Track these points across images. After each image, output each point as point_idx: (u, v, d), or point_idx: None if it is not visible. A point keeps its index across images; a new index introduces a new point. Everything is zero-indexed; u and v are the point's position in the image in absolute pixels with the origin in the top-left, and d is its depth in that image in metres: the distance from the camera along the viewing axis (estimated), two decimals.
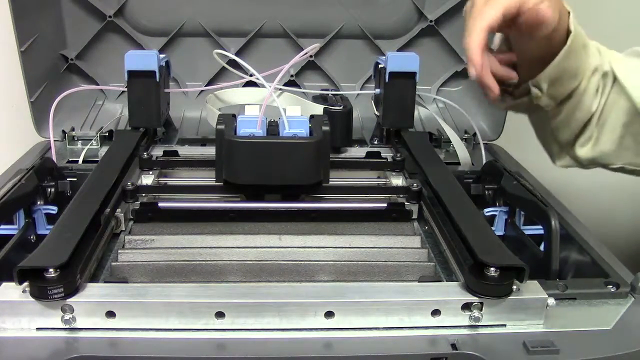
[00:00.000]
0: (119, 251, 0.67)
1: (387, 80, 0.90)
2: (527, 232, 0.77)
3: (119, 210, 0.71)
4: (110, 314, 0.53)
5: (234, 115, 0.75)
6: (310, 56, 1.07)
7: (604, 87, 0.70)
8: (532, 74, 0.68)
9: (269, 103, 0.76)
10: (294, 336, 0.54)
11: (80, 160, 0.92)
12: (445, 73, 1.12)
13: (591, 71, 0.68)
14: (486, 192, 0.84)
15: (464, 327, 0.55)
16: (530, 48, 0.66)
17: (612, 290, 0.60)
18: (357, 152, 0.93)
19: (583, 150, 0.72)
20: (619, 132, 0.71)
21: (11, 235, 0.72)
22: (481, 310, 0.55)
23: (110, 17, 1.03)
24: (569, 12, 0.64)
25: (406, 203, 0.78)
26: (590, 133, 0.72)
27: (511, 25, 0.62)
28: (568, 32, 0.64)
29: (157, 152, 0.89)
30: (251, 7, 1.05)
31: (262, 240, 0.70)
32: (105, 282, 0.62)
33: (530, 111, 0.74)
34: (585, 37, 0.67)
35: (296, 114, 0.76)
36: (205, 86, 1.07)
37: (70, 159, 0.93)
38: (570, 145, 0.72)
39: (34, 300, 0.52)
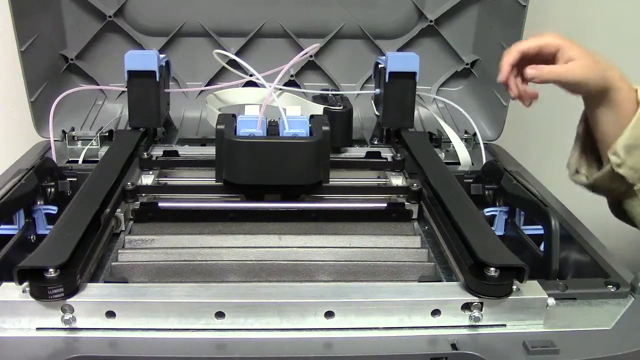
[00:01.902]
0: (119, 251, 0.67)
1: (387, 80, 0.90)
2: (527, 232, 0.77)
3: (119, 210, 0.71)
4: (110, 314, 0.53)
5: (234, 115, 0.75)
6: (310, 56, 1.07)
7: None
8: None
9: (269, 103, 0.76)
10: (294, 336, 0.54)
11: (80, 160, 0.92)
12: (445, 73, 1.12)
13: None
14: (486, 192, 0.84)
15: (464, 327, 0.55)
16: (600, 122, 0.71)
17: (612, 290, 0.60)
18: (357, 152, 0.93)
19: None
20: None
21: (11, 235, 0.72)
22: (481, 310, 0.55)
23: (110, 17, 1.03)
24: (637, 90, 0.70)
25: (406, 203, 0.78)
26: None
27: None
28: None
29: (157, 152, 0.89)
30: (251, 7, 1.05)
31: (262, 240, 0.70)
32: (105, 282, 0.62)
33: (615, 188, 0.74)
34: None
35: (296, 114, 0.76)
36: (205, 86, 1.07)
37: (70, 159, 0.93)
38: None
39: (34, 300, 0.52)
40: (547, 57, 0.70)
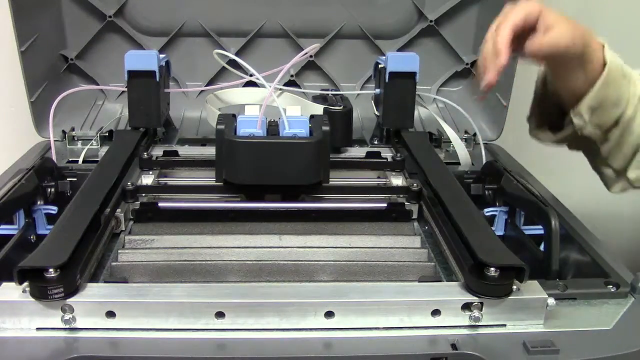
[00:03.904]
0: (119, 251, 0.67)
1: (387, 80, 0.90)
2: (527, 232, 0.77)
3: (119, 210, 0.71)
4: (110, 314, 0.53)
5: (234, 115, 0.75)
6: (310, 56, 1.07)
7: None
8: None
9: (269, 103, 0.76)
10: (294, 336, 0.54)
11: (80, 160, 0.92)
12: (445, 73, 1.12)
13: (637, 98, 0.69)
14: (486, 192, 0.84)
15: (464, 327, 0.55)
16: (569, 81, 0.68)
17: (612, 290, 0.60)
18: (357, 152, 0.93)
19: (635, 173, 0.73)
20: None
21: (11, 235, 0.72)
22: (481, 310, 0.55)
23: (110, 17, 1.03)
24: (603, 45, 0.67)
25: (406, 203, 0.78)
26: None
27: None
28: (605, 64, 0.67)
29: (157, 152, 0.89)
30: (251, 7, 1.05)
31: (262, 240, 0.70)
32: (105, 282, 0.62)
33: (578, 145, 0.75)
34: (626, 68, 0.69)
35: (296, 114, 0.76)
36: (205, 86, 1.07)
37: (70, 159, 0.93)
38: (624, 171, 0.73)
39: (34, 300, 0.52)
40: (528, 28, 0.65)
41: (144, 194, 0.76)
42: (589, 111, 0.68)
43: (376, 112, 0.97)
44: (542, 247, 0.72)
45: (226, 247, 0.68)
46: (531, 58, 0.66)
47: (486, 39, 0.66)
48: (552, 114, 0.74)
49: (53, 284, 0.52)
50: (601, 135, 0.70)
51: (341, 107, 0.88)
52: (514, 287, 0.55)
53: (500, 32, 0.64)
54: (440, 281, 0.64)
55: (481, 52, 0.66)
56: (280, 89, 0.92)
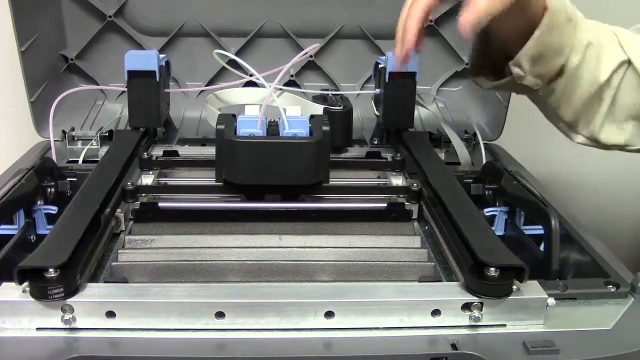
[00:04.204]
0: (119, 251, 0.67)
1: (387, 80, 0.90)
2: (527, 232, 0.77)
3: (119, 210, 0.71)
4: (110, 314, 0.53)
5: (234, 115, 0.75)
6: (310, 56, 1.07)
7: (615, 69, 0.67)
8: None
9: (269, 103, 0.76)
10: (294, 336, 0.54)
11: (80, 160, 0.92)
12: (445, 73, 1.12)
13: (584, 46, 0.65)
14: (486, 192, 0.84)
15: (464, 327, 0.55)
16: (508, 28, 0.64)
17: (612, 290, 0.60)
18: (357, 152, 0.93)
19: (604, 135, 0.69)
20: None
21: (11, 235, 0.72)
22: (481, 310, 0.55)
23: (110, 17, 1.03)
24: None
25: (406, 203, 0.78)
26: (603, 113, 0.68)
27: None
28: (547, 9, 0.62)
29: (157, 152, 0.89)
30: (251, 7, 1.05)
31: (262, 240, 0.70)
32: (105, 282, 0.62)
33: (519, 91, 0.71)
34: (572, 12, 0.65)
35: (296, 114, 0.76)
36: (205, 86, 1.07)
37: (70, 159, 0.93)
38: (576, 125, 0.70)
39: (34, 300, 0.52)
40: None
41: (144, 194, 0.76)
42: (529, 61, 0.64)
43: (376, 112, 0.97)
44: (542, 247, 0.72)
45: (226, 247, 0.68)
46: (468, 33, 0.57)
47: (402, 11, 0.61)
48: (496, 58, 0.69)
49: (53, 284, 0.52)
50: (544, 85, 0.66)
51: (341, 107, 0.88)
52: (514, 287, 0.55)
53: (412, 13, 0.60)
54: (440, 281, 0.64)
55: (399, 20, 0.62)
56: (280, 89, 0.92)
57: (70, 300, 0.53)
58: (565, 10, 0.64)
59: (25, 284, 0.53)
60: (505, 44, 0.66)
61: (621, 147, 0.71)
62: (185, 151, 0.90)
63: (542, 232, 0.70)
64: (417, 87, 0.92)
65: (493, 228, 0.79)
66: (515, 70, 0.65)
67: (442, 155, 0.94)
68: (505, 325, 0.56)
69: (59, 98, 0.93)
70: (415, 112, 0.95)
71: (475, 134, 1.00)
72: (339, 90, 1.02)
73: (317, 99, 0.94)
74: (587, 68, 0.66)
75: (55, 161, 0.86)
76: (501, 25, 0.63)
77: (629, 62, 0.67)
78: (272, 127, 0.75)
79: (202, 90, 1.09)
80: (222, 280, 0.65)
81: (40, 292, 0.52)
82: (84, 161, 0.92)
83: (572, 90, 0.67)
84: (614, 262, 0.65)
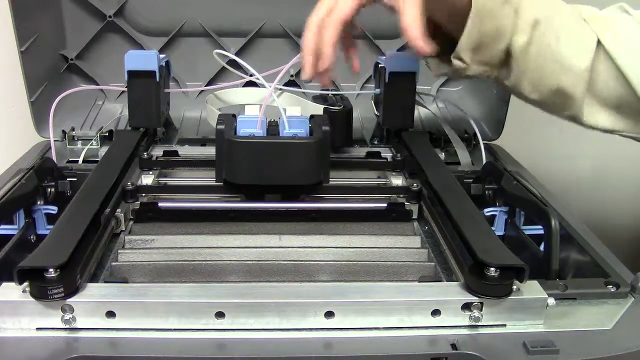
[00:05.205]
0: (119, 251, 0.67)
1: (387, 80, 0.90)
2: (527, 232, 0.77)
3: (119, 210, 0.71)
4: (110, 314, 0.53)
5: (234, 115, 0.75)
6: None
7: (587, 50, 0.64)
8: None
9: (269, 103, 0.76)
10: (294, 336, 0.54)
11: (80, 160, 0.92)
12: None
13: (530, 25, 0.62)
14: (486, 192, 0.84)
15: (464, 327, 0.55)
16: (445, 22, 0.63)
17: (612, 290, 0.60)
18: (357, 152, 0.93)
19: (593, 118, 0.67)
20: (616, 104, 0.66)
21: (11, 235, 0.72)
22: (481, 310, 0.55)
23: (110, 17, 1.03)
24: None
25: (406, 203, 0.78)
26: (581, 98, 0.65)
27: None
28: None
29: (157, 152, 0.89)
30: (251, 7, 1.05)
31: (262, 240, 0.70)
32: (105, 282, 0.62)
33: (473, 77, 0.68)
34: None
35: (296, 114, 0.76)
36: (205, 86, 1.07)
37: (70, 159, 0.93)
38: (559, 107, 0.67)
39: (34, 300, 0.52)
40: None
41: (144, 194, 0.76)
42: (469, 53, 0.62)
43: (376, 112, 0.97)
44: (542, 247, 0.72)
45: (226, 247, 0.68)
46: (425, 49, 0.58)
47: (308, 27, 0.60)
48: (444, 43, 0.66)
49: (53, 284, 0.52)
50: (495, 70, 0.64)
51: (341, 107, 0.88)
52: (514, 287, 0.55)
53: (326, 31, 0.59)
54: (440, 281, 0.64)
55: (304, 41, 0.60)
56: (280, 89, 0.92)
57: (70, 300, 0.53)
58: None
59: (25, 284, 0.53)
60: (451, 33, 0.65)
61: (611, 132, 0.68)
62: (185, 151, 0.90)
63: (542, 232, 0.70)
64: (417, 87, 0.92)
65: (493, 228, 0.79)
66: (457, 63, 0.64)
67: (442, 155, 0.94)
68: (505, 325, 0.56)
69: (59, 98, 0.93)
70: (415, 112, 0.95)
71: (475, 134, 1.00)
72: (339, 90, 1.02)
73: (317, 99, 0.94)
74: (541, 46, 0.63)
75: (55, 161, 0.86)
76: (439, 20, 0.63)
77: (597, 42, 0.64)
78: (272, 127, 0.76)
79: (202, 90, 1.09)
80: (222, 280, 0.65)
81: (40, 292, 0.52)
82: (84, 161, 0.92)
83: (528, 68, 0.64)
84: (613, 262, 0.65)
